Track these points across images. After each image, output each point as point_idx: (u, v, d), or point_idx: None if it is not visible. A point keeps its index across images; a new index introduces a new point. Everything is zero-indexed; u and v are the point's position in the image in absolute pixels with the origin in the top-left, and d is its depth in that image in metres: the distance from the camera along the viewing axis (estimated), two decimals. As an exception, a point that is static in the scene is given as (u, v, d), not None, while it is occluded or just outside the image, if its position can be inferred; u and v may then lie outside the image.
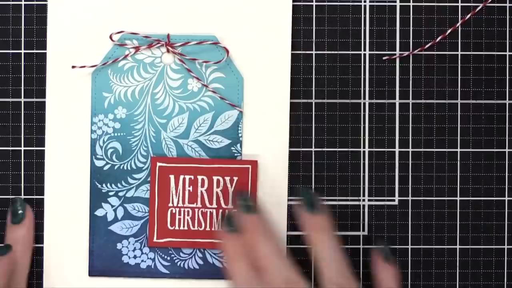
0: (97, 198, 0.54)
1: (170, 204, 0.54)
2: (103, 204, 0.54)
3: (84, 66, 0.53)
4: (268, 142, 0.55)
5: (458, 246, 0.60)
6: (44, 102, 0.55)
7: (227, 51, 0.53)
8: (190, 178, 0.54)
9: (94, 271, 0.54)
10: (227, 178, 0.54)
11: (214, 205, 0.54)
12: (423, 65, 0.59)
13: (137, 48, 0.53)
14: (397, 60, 0.58)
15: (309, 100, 0.56)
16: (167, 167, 0.54)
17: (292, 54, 0.56)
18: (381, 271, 0.55)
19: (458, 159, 0.60)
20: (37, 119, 0.55)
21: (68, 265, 0.54)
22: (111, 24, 0.54)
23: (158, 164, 0.54)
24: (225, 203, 0.54)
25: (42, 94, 0.55)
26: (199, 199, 0.54)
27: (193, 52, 0.54)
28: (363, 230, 0.58)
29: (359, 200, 0.58)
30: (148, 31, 0.54)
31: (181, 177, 0.54)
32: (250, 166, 0.54)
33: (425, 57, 0.59)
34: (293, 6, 0.56)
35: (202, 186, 0.54)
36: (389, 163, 0.58)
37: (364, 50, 0.58)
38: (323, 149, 0.57)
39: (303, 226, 0.52)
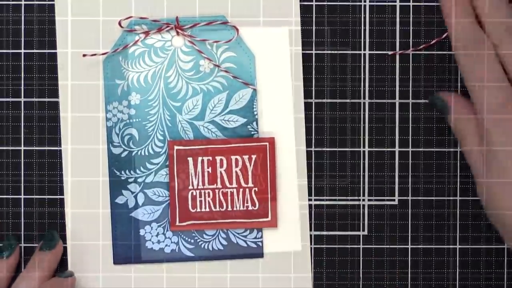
0: (116, 186, 0.55)
1: (190, 187, 0.55)
2: (123, 191, 0.55)
3: (94, 54, 0.53)
4: (284, 118, 0.55)
5: (458, 246, 0.62)
6: (57, 101, 0.56)
7: (237, 30, 0.54)
8: (208, 160, 0.55)
9: (118, 259, 0.55)
10: (246, 157, 0.55)
11: (235, 185, 0.55)
12: (422, 64, 0.60)
13: (146, 33, 0.54)
14: (397, 59, 0.59)
15: (309, 100, 0.57)
16: (184, 150, 0.54)
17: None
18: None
19: (458, 158, 0.60)
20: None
21: (93, 255, 0.56)
22: (119, 10, 0.55)
23: (176, 147, 0.54)
24: (245, 182, 0.55)
25: (55, 93, 0.56)
26: (219, 180, 0.55)
27: (202, 33, 0.54)
28: (363, 230, 0.59)
29: (359, 200, 0.59)
30: (156, 15, 0.54)
31: (199, 159, 0.55)
32: (267, 143, 0.55)
33: (425, 56, 0.60)
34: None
35: (221, 166, 0.55)
36: (389, 162, 0.60)
37: (364, 50, 0.59)
38: (323, 149, 0.58)
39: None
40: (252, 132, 0.55)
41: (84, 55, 0.54)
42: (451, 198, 0.61)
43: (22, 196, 0.58)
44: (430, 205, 0.60)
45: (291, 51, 0.56)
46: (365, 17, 0.59)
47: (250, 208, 0.55)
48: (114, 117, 0.55)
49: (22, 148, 0.57)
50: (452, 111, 0.55)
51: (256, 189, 0.55)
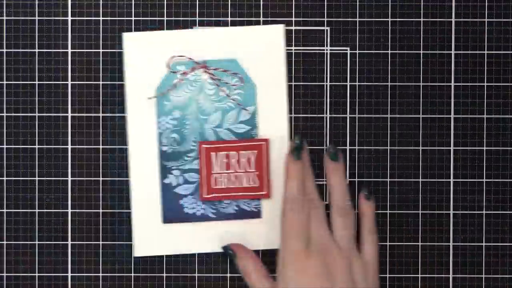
0: (164, 171, 0.72)
1: (213, 172, 0.71)
2: (168, 175, 0.72)
3: (155, 96, 0.71)
4: (274, 128, 0.72)
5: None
6: (125, 116, 0.72)
7: (242, 80, 0.71)
8: (225, 154, 0.71)
9: (166, 220, 0.72)
10: (250, 152, 0.71)
11: (243, 170, 0.71)
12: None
13: (184, 73, 0.75)
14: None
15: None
16: (209, 147, 0.71)
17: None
18: (361, 204, 0.69)
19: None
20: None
21: (149, 218, 0.72)
22: (167, 55, 0.72)
23: (203, 146, 0.71)
24: (249, 168, 0.73)
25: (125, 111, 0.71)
26: (232, 167, 0.71)
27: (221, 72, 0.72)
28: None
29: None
30: (190, 55, 0.72)
31: (219, 153, 0.71)
32: (264, 143, 0.72)
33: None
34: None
35: (234, 158, 0.71)
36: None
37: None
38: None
39: (327, 172, 0.69)
40: (254, 136, 0.72)
41: (149, 98, 0.72)
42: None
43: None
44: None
45: (279, 84, 0.72)
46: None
47: (252, 185, 0.72)
48: (162, 126, 0.72)
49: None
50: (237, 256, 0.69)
51: (257, 172, 0.72)
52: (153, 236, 0.72)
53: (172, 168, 0.72)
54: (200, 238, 0.73)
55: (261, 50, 0.74)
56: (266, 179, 0.72)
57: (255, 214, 0.73)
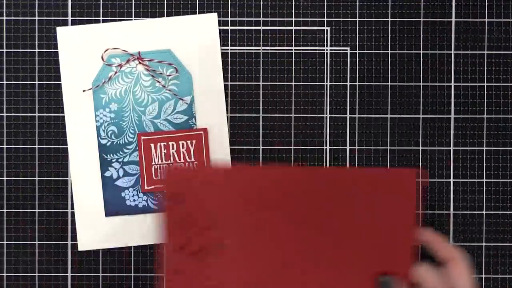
0: (104, 164, 0.74)
1: (153, 163, 0.73)
2: (109, 167, 0.74)
3: (90, 89, 0.74)
4: (212, 117, 0.73)
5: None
6: (63, 116, 0.73)
7: (177, 70, 0.73)
8: (164, 144, 0.73)
9: (108, 213, 0.74)
10: (189, 142, 0.73)
11: (182, 160, 0.74)
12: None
13: (120, 65, 0.75)
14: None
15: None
16: (148, 139, 0.73)
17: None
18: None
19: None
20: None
21: (92, 210, 0.73)
22: (101, 47, 0.74)
23: (142, 137, 0.73)
24: (189, 158, 0.74)
25: (62, 109, 0.73)
26: (171, 157, 0.73)
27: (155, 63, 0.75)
28: None
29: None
30: (125, 48, 0.74)
31: (158, 144, 0.73)
32: (202, 132, 0.73)
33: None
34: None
35: (173, 148, 0.73)
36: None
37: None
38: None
39: None
40: (192, 125, 0.74)
41: (84, 91, 0.73)
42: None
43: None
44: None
45: (216, 71, 0.74)
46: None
47: None
48: (100, 119, 0.74)
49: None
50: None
51: (197, 162, 0.73)
52: (96, 230, 0.74)
53: (112, 161, 0.74)
54: (143, 229, 0.74)
55: (195, 40, 0.74)
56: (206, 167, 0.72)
57: (198, 204, 0.73)
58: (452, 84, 0.71)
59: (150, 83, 0.74)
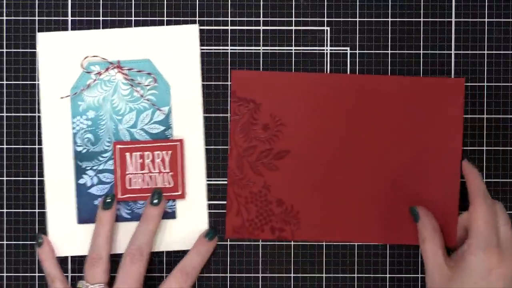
0: (79, 172, 0.73)
1: (128, 172, 0.73)
2: (83, 175, 0.73)
3: (68, 95, 0.74)
4: (189, 128, 0.74)
5: None
6: (39, 116, 0.73)
7: (156, 80, 0.73)
8: (139, 154, 0.73)
9: (81, 220, 0.74)
10: (164, 152, 0.73)
11: (157, 170, 0.73)
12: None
13: (99, 73, 0.76)
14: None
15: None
16: (124, 148, 0.73)
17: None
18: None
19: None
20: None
21: (64, 218, 0.73)
22: (81, 54, 0.75)
23: (118, 146, 0.73)
24: (164, 169, 0.74)
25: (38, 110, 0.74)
26: (146, 167, 0.73)
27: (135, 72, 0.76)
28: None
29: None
30: (105, 56, 0.75)
31: (134, 153, 0.73)
32: (178, 144, 0.73)
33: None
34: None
35: (148, 158, 0.73)
36: None
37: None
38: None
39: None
40: (168, 136, 0.74)
41: (61, 97, 0.73)
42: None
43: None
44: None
45: (193, 82, 0.75)
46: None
47: (167, 185, 0.73)
48: (77, 126, 0.73)
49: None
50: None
51: (172, 173, 0.73)
52: (68, 236, 0.74)
53: (87, 169, 0.74)
54: (115, 238, 0.74)
55: (175, 51, 0.75)
56: (181, 179, 0.73)
57: (170, 215, 0.74)
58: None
59: (128, 92, 0.75)
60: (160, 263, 0.74)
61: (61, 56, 0.74)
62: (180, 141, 0.74)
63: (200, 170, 0.74)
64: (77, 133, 0.74)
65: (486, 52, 0.71)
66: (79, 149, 0.74)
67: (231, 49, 0.73)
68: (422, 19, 0.72)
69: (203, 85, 0.73)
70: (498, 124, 0.72)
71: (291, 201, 0.73)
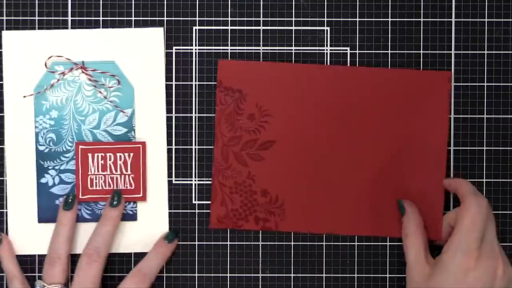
0: (41, 171, 0.74)
1: (89, 173, 0.73)
2: (45, 174, 0.74)
3: (32, 94, 0.75)
4: (152, 131, 0.75)
5: None
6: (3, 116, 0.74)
7: (119, 81, 0.74)
8: (101, 155, 0.73)
9: (41, 219, 0.74)
10: (126, 154, 0.74)
11: (118, 172, 0.74)
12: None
13: (63, 73, 0.76)
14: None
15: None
16: (86, 148, 0.74)
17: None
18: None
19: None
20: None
21: (24, 216, 0.74)
22: (46, 54, 0.75)
23: (80, 146, 0.74)
24: (125, 170, 0.75)
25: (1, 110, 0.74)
26: (108, 168, 0.73)
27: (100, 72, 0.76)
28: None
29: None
30: (69, 56, 0.75)
31: (96, 154, 0.73)
32: (141, 146, 0.74)
33: None
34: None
35: (110, 160, 0.73)
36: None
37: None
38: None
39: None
40: (131, 138, 0.75)
41: (24, 96, 0.75)
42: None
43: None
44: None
45: (158, 85, 0.76)
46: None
47: (128, 187, 0.74)
48: (40, 126, 0.74)
49: None
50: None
51: (133, 175, 0.74)
52: (28, 235, 0.74)
53: (49, 168, 0.74)
54: (75, 239, 0.74)
55: (140, 53, 0.75)
56: (142, 182, 0.74)
57: (131, 217, 0.75)
58: (452, 84, 0.71)
59: (92, 93, 0.75)
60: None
61: (26, 55, 0.75)
62: (142, 143, 0.74)
63: (162, 173, 0.75)
64: (40, 132, 0.74)
65: (486, 52, 0.72)
66: (41, 148, 0.74)
67: (231, 49, 0.73)
68: (422, 19, 0.72)
69: (202, 85, 0.74)
70: (498, 124, 0.72)
71: (275, 191, 0.73)
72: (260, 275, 0.73)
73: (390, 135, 0.72)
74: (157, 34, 0.76)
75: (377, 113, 0.72)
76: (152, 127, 0.75)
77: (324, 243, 0.73)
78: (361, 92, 0.72)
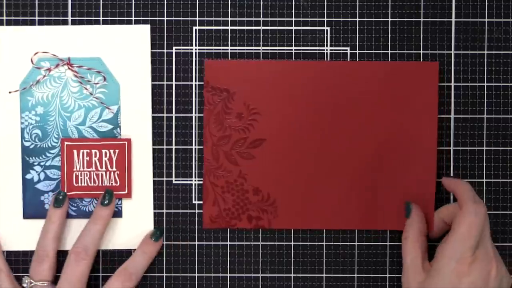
0: (26, 167, 0.74)
1: (75, 169, 0.74)
2: (30, 170, 0.74)
3: (17, 90, 0.75)
4: (137, 128, 0.75)
5: None
6: None
7: (104, 78, 0.74)
8: (87, 152, 0.74)
9: (26, 215, 0.74)
10: (111, 151, 0.74)
11: (104, 169, 0.74)
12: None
13: (49, 70, 0.76)
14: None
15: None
16: (71, 145, 0.74)
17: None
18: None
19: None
20: None
21: (10, 212, 0.74)
22: (32, 50, 0.76)
23: (66, 143, 0.74)
24: (110, 167, 0.75)
25: None
26: (93, 165, 0.74)
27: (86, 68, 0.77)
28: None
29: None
30: (55, 52, 0.75)
31: (81, 151, 0.74)
32: (126, 143, 0.74)
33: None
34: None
35: (95, 156, 0.74)
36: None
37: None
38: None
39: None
40: (117, 135, 0.75)
41: (10, 92, 0.75)
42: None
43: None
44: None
45: (144, 82, 0.76)
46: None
47: (113, 184, 0.74)
48: (26, 122, 0.74)
49: None
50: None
51: (118, 172, 0.74)
52: (14, 231, 0.74)
53: (34, 164, 0.74)
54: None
55: (126, 50, 0.75)
56: (127, 179, 0.74)
57: (116, 213, 0.75)
58: (452, 84, 0.72)
59: (78, 90, 0.75)
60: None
61: (12, 51, 0.75)
62: (128, 140, 0.74)
63: (147, 170, 0.75)
64: (25, 128, 0.74)
65: (486, 52, 0.72)
66: (27, 144, 0.74)
67: (231, 49, 0.73)
68: (422, 19, 0.72)
69: (202, 85, 0.74)
70: (498, 124, 0.72)
71: (267, 189, 0.73)
72: (260, 275, 0.73)
73: (380, 129, 0.72)
74: (143, 31, 0.75)
75: (366, 106, 0.72)
76: (137, 124, 0.75)
77: (324, 243, 0.73)
78: (349, 86, 0.72)
